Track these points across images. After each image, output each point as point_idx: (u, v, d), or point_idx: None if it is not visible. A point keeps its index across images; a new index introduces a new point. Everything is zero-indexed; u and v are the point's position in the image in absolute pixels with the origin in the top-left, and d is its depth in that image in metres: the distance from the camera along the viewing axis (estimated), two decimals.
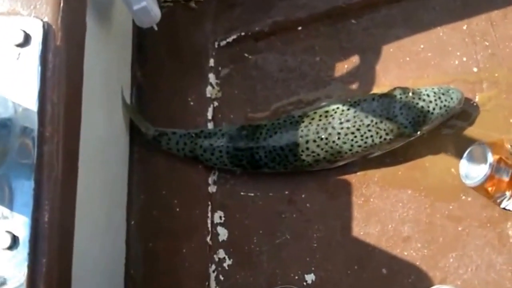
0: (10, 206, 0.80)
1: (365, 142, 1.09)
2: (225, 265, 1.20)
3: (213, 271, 1.20)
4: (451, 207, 1.11)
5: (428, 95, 1.08)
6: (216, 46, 1.31)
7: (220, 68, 1.30)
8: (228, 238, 1.22)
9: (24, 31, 0.83)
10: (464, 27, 1.20)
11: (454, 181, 1.12)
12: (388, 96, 1.10)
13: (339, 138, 1.10)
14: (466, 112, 1.15)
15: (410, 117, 1.07)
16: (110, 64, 1.15)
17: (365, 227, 1.15)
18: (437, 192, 1.13)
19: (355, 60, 1.24)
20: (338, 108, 1.12)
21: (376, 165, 1.17)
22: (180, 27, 1.33)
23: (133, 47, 1.31)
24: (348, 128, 1.10)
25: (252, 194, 1.22)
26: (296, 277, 1.16)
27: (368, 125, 1.09)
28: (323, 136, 1.11)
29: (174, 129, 1.23)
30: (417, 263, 1.11)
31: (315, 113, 1.14)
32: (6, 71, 0.83)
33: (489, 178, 1.03)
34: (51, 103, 0.83)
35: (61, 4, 0.85)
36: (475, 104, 1.15)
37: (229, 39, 1.30)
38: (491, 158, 1.03)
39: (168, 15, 1.33)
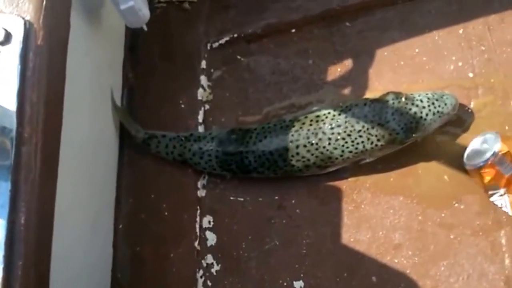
0: None
1: (356, 148, 1.07)
2: (213, 270, 1.18)
3: (201, 277, 1.18)
4: (443, 214, 1.09)
5: (421, 101, 1.06)
6: (208, 47, 1.30)
7: (212, 70, 1.29)
8: (217, 243, 1.20)
9: (5, 29, 0.82)
10: (460, 31, 1.17)
11: (446, 189, 1.10)
12: (380, 101, 1.08)
13: (329, 144, 1.08)
14: (461, 118, 1.12)
15: (403, 123, 1.05)
16: (99, 65, 1.14)
17: (355, 234, 1.13)
18: (429, 199, 1.11)
19: (348, 63, 1.22)
20: (329, 113, 1.10)
21: (368, 171, 1.15)
22: (173, 28, 1.32)
23: (125, 48, 1.30)
24: (339, 133, 1.08)
25: (242, 199, 1.20)
26: (285, 284, 1.14)
27: (359, 130, 1.07)
28: (313, 141, 1.09)
29: (164, 132, 1.21)
30: (408, 271, 1.08)
31: (306, 117, 1.12)
32: None
33: (488, 165, 1.00)
34: (30, 103, 0.81)
35: (44, 3, 0.84)
36: (470, 110, 1.13)
37: (222, 41, 1.29)
38: (498, 147, 1.00)
39: (161, 15, 1.32)
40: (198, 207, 1.21)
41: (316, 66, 1.23)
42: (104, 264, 1.18)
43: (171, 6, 1.33)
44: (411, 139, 1.07)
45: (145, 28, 1.10)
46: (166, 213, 1.22)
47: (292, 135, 1.11)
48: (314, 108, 1.15)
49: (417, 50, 1.19)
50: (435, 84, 1.15)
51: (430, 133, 1.09)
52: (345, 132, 1.07)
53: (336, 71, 1.22)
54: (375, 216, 1.13)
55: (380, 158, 1.11)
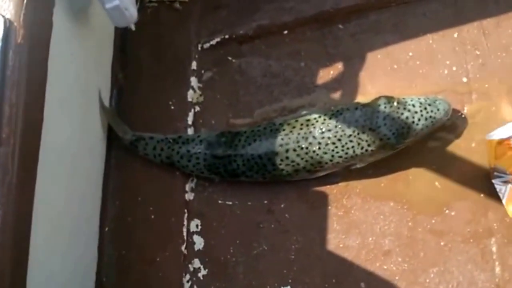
0: None
1: (346, 153, 1.05)
2: (200, 275, 1.17)
3: (188, 281, 1.16)
4: (433, 221, 1.07)
5: (413, 106, 1.04)
6: (199, 48, 1.28)
7: (202, 72, 1.27)
8: (204, 247, 1.18)
9: None
10: (455, 35, 1.15)
11: (438, 195, 1.08)
12: (371, 105, 1.05)
13: (319, 148, 1.06)
14: (454, 124, 1.10)
15: (394, 128, 1.03)
16: (86, 65, 1.12)
17: (345, 239, 1.11)
18: (420, 205, 1.09)
19: (341, 66, 1.20)
20: (320, 117, 1.08)
21: (359, 176, 1.13)
22: (164, 28, 1.31)
23: (115, 48, 1.28)
24: (329, 138, 1.06)
25: (230, 203, 1.18)
26: None
27: (350, 135, 1.05)
28: (303, 145, 1.07)
29: (151, 134, 1.20)
30: (397, 278, 1.07)
31: (296, 121, 1.10)
32: None
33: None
34: (9, 103, 0.80)
35: (25, 1, 0.82)
36: (463, 116, 1.11)
37: (213, 42, 1.27)
38: None
39: (152, 15, 1.31)
40: (185, 211, 1.19)
41: (308, 68, 1.22)
42: (89, 267, 1.16)
43: (162, 6, 1.31)
44: (403, 145, 1.05)
45: (133, 27, 1.09)
46: (153, 216, 1.20)
47: (282, 139, 1.09)
48: (305, 112, 1.13)
49: (410, 54, 1.17)
50: (428, 88, 1.14)
51: (422, 139, 1.07)
52: (335, 136, 1.05)
53: (328, 74, 1.20)
54: (365, 221, 1.11)
55: (371, 163, 1.09)
